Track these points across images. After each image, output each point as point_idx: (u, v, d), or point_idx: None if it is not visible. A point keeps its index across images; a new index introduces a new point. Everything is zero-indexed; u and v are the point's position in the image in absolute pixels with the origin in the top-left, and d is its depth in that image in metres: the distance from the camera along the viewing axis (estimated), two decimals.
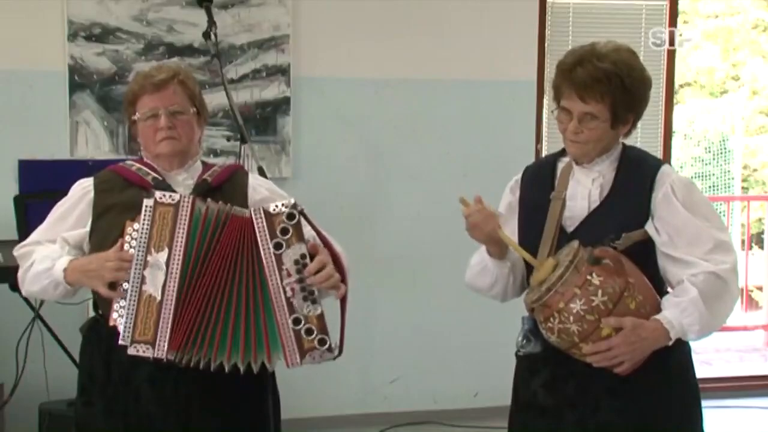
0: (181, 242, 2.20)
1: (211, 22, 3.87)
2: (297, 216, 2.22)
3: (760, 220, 8.53)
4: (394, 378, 4.75)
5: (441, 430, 4.66)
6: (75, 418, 2.50)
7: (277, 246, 2.21)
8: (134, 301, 2.20)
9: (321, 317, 2.23)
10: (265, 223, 2.22)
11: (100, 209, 2.39)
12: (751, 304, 7.25)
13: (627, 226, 2.27)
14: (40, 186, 3.69)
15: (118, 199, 2.37)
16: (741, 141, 10.90)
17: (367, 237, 4.64)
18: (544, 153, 4.76)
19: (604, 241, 2.24)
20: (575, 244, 2.23)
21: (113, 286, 2.24)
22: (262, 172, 3.58)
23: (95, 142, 4.28)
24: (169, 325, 2.18)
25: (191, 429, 2.35)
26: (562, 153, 2.46)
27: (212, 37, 3.86)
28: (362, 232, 4.63)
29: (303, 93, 4.50)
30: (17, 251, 2.46)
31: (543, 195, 2.40)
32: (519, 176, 2.52)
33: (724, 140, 11.04)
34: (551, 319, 2.20)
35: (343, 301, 2.33)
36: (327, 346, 2.22)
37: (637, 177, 2.32)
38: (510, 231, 2.37)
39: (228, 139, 4.14)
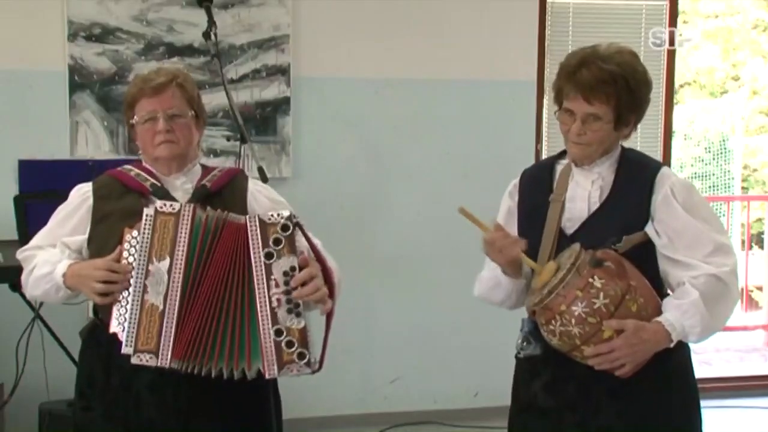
0: (183, 251, 2.20)
1: (211, 22, 3.87)
2: (291, 228, 2.22)
3: (760, 220, 8.53)
4: (394, 378, 4.75)
5: (441, 430, 4.67)
6: (73, 423, 2.50)
7: (268, 256, 2.21)
8: (136, 310, 2.20)
9: (303, 331, 2.21)
10: (258, 232, 2.21)
11: (98, 216, 2.38)
12: (751, 304, 7.25)
13: (627, 228, 2.27)
14: (40, 186, 3.69)
15: (117, 206, 2.37)
16: (741, 141, 10.91)
17: (367, 237, 4.64)
18: (544, 153, 4.76)
19: (605, 244, 2.24)
20: (577, 246, 2.23)
21: (106, 294, 2.23)
22: (262, 172, 3.57)
23: (95, 142, 4.28)
24: (172, 334, 2.18)
25: None
26: (561, 155, 2.46)
27: (212, 37, 3.86)
28: (362, 232, 4.63)
29: (303, 93, 4.50)
30: (20, 255, 2.46)
31: (542, 198, 2.40)
32: (517, 180, 2.51)
33: (724, 140, 11.04)
34: (553, 322, 2.20)
35: (329, 317, 2.33)
36: (306, 360, 2.21)
37: (637, 179, 2.33)
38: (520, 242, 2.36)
39: (228, 139, 4.14)
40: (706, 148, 11.13)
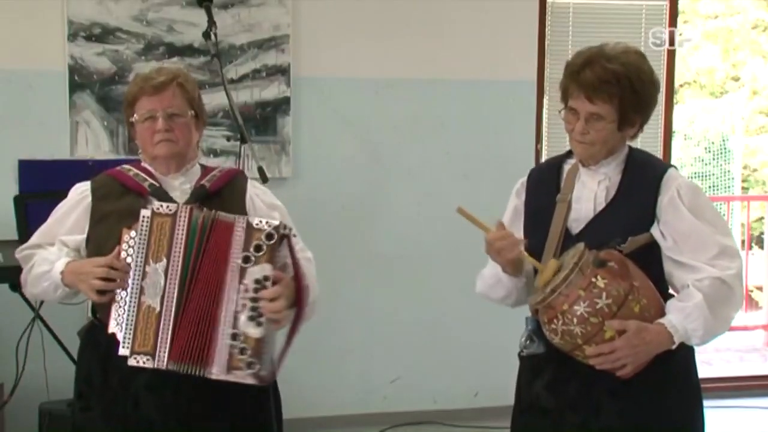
0: (179, 252, 2.21)
1: (211, 22, 3.87)
2: (276, 238, 2.21)
3: (760, 220, 8.53)
4: (394, 378, 4.75)
5: (441, 430, 4.66)
6: (72, 423, 2.49)
7: (245, 259, 2.20)
8: (133, 311, 2.20)
9: (259, 341, 2.20)
10: (243, 234, 2.21)
11: (97, 216, 2.39)
12: (751, 304, 7.25)
13: (632, 229, 2.27)
14: (40, 186, 3.69)
15: (116, 206, 2.37)
16: (741, 141, 10.91)
17: (367, 237, 4.64)
18: (544, 153, 4.76)
19: (610, 244, 2.24)
20: (581, 246, 2.22)
21: (102, 292, 2.23)
22: (262, 172, 3.57)
23: (95, 142, 4.28)
24: (169, 336, 2.18)
25: None
26: (568, 155, 2.45)
27: (212, 37, 3.86)
28: (362, 232, 4.63)
29: (303, 93, 4.50)
30: (19, 254, 2.47)
31: (548, 197, 2.39)
32: (524, 179, 2.51)
33: (724, 140, 11.04)
34: (555, 321, 2.20)
35: (291, 333, 2.31)
36: (254, 371, 2.19)
37: (644, 180, 2.32)
38: (516, 234, 2.36)
39: (228, 139, 4.14)
40: (706, 148, 11.13)
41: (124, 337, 2.20)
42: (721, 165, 11.00)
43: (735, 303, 2.26)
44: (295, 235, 2.30)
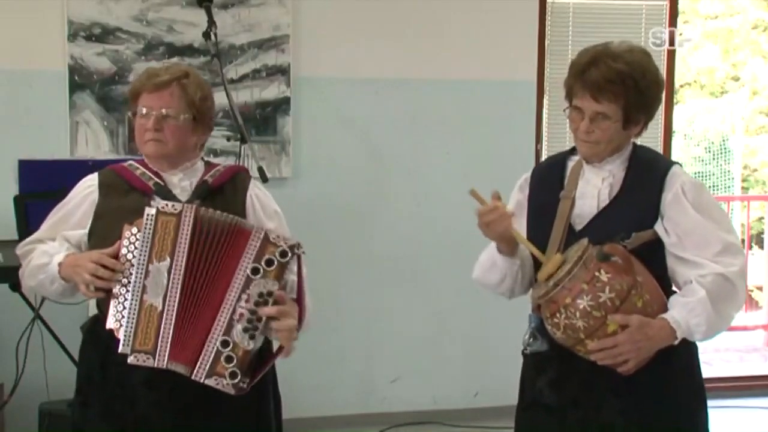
0: (183, 252, 2.20)
1: (211, 22, 3.87)
2: (289, 257, 2.21)
3: (760, 220, 8.53)
4: (394, 378, 4.75)
5: (441, 430, 4.66)
6: (71, 418, 2.50)
7: (254, 270, 2.20)
8: (135, 309, 2.20)
9: (247, 354, 2.19)
10: (258, 244, 2.21)
11: (101, 211, 2.39)
12: (751, 304, 7.24)
13: (636, 226, 2.27)
14: (40, 186, 3.69)
15: (120, 203, 2.37)
16: (741, 141, 10.92)
17: (367, 237, 4.64)
18: (544, 153, 4.76)
19: (614, 240, 2.24)
20: (585, 241, 2.23)
21: (98, 288, 2.23)
22: (262, 172, 3.57)
23: (95, 142, 4.28)
24: (170, 336, 2.18)
25: None
26: (572, 152, 2.45)
27: (212, 37, 3.86)
28: (362, 232, 4.63)
29: (303, 93, 4.50)
30: (20, 249, 2.46)
31: (552, 193, 2.39)
32: (528, 174, 2.51)
33: (724, 140, 11.04)
34: (557, 315, 2.20)
35: (278, 352, 2.29)
36: (234, 381, 2.18)
37: (647, 177, 2.32)
38: (519, 229, 2.37)
39: (228, 139, 4.14)
40: (706, 148, 11.13)
41: (125, 335, 2.19)
42: (721, 165, 11.00)
43: (738, 300, 2.26)
44: (304, 253, 2.28)
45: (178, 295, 2.19)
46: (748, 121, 11.07)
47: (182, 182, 2.44)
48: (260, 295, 2.20)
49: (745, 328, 6.68)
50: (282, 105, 4.47)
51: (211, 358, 2.18)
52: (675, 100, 5.42)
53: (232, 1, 4.37)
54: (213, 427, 2.34)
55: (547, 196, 2.40)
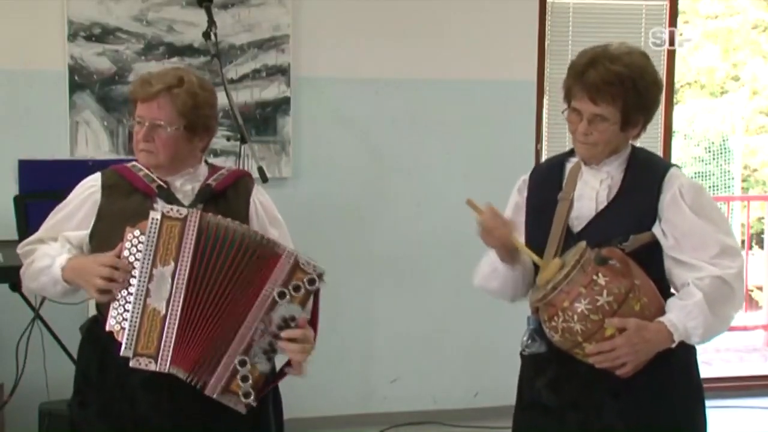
0: (188, 257, 2.19)
1: (211, 22, 3.87)
2: (317, 286, 2.22)
3: (760, 220, 8.53)
4: (394, 378, 4.75)
5: (441, 430, 4.66)
6: (70, 418, 2.49)
7: (281, 294, 2.20)
8: (138, 313, 2.19)
9: (263, 375, 2.21)
10: (288, 269, 2.20)
11: (103, 212, 2.38)
12: (751, 304, 7.25)
13: (634, 228, 2.27)
14: (40, 186, 3.69)
15: (123, 205, 2.36)
16: (741, 141, 10.92)
17: (366, 237, 4.64)
18: (544, 153, 4.76)
19: (612, 242, 2.24)
20: (583, 244, 2.23)
21: (105, 291, 2.22)
22: (262, 172, 3.57)
23: (95, 142, 4.28)
24: (173, 340, 2.18)
25: None
26: (571, 153, 2.45)
27: (212, 37, 3.86)
28: (362, 232, 4.63)
29: (303, 93, 4.50)
30: (21, 249, 2.45)
31: (551, 195, 2.39)
32: (527, 176, 2.51)
33: (724, 140, 11.05)
34: (555, 318, 2.20)
35: (282, 372, 2.31)
36: (247, 401, 2.19)
37: (646, 179, 2.32)
38: (517, 231, 2.37)
39: (228, 139, 4.14)
40: (706, 148, 11.13)
41: (128, 338, 2.18)
42: (721, 165, 11.00)
43: (735, 302, 2.26)
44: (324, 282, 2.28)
45: (181, 300, 2.18)
46: (748, 121, 11.07)
47: (184, 186, 2.43)
48: (284, 320, 2.20)
49: (745, 328, 6.68)
50: (282, 105, 4.47)
51: (227, 376, 2.19)
52: (675, 100, 5.42)
53: (232, 1, 4.37)
54: (212, 428, 2.33)
55: (546, 198, 2.40)
